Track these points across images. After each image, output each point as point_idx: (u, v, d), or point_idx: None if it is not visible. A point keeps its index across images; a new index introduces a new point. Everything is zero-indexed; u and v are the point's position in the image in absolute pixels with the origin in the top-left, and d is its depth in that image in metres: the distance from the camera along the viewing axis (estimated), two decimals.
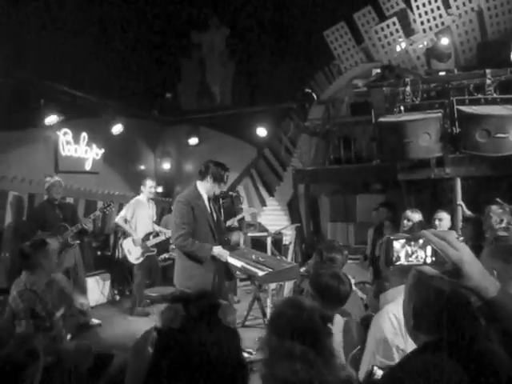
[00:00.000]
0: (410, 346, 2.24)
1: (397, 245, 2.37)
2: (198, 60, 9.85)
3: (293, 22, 8.85)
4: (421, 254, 2.41)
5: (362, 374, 2.30)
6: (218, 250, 4.03)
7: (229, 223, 5.99)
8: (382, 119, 5.41)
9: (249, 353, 3.39)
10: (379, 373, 1.86)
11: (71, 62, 7.02)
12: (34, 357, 2.43)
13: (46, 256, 3.65)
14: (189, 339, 1.20)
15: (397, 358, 2.21)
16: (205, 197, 4.07)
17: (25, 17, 6.29)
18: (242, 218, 6.99)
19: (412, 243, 2.39)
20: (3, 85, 5.70)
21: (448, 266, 1.30)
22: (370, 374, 1.87)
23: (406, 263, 2.36)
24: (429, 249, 1.88)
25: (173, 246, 7.21)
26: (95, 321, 5.86)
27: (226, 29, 9.72)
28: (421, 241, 2.41)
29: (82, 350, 3.68)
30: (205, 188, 4.05)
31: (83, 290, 5.89)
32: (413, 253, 2.39)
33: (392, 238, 2.38)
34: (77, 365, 3.55)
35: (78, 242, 5.89)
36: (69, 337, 3.61)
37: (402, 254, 2.38)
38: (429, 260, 1.88)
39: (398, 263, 2.35)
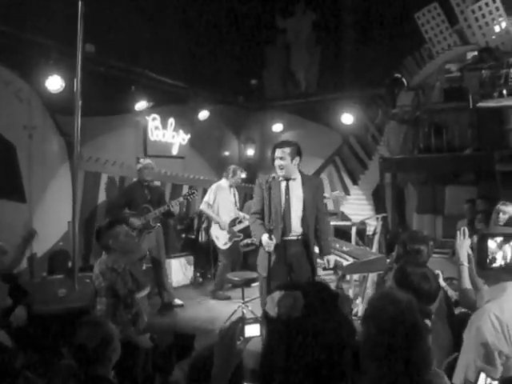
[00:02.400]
0: None
1: (492, 244, 2.15)
2: (283, 46, 9.73)
3: (381, 5, 8.48)
4: None
5: (457, 378, 2.14)
6: (264, 239, 3.81)
7: None
8: (481, 104, 5.05)
9: None
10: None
11: (160, 50, 7.22)
12: (108, 341, 2.49)
13: (115, 237, 3.71)
14: (310, 328, 1.15)
15: (499, 364, 2.03)
16: (281, 179, 3.99)
17: (115, 5, 6.51)
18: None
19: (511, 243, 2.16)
20: (97, 72, 5.96)
21: None
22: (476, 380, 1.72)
23: (503, 266, 2.14)
24: None
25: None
26: (178, 301, 6.03)
27: (312, 13, 9.50)
28: None
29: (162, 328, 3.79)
30: None
31: (162, 272, 6.02)
32: None
33: (486, 233, 2.16)
34: (156, 343, 3.67)
35: (159, 224, 5.99)
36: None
37: (499, 256, 2.16)
38: None
39: (493, 266, 2.13)
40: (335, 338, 1.14)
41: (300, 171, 4.11)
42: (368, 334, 1.62)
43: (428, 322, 2.08)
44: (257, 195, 4.08)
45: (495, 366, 2.02)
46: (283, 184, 4.00)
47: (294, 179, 4.03)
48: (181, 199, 6.20)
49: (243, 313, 5.23)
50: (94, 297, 3.48)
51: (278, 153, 3.95)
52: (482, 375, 1.77)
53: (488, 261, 2.16)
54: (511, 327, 2.06)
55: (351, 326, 1.22)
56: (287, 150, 3.95)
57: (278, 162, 3.94)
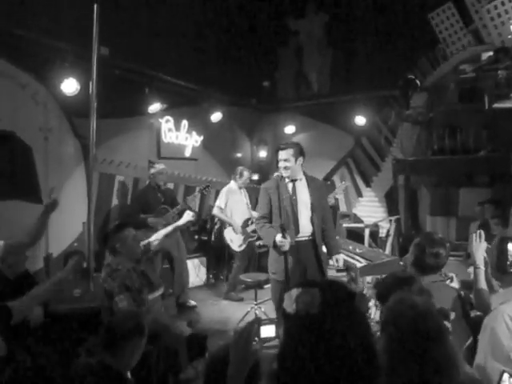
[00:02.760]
0: None
1: None
2: (295, 48, 9.73)
3: (394, 5, 8.44)
4: None
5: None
6: (278, 239, 3.79)
7: None
8: (497, 105, 5.00)
9: None
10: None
11: (173, 53, 7.26)
12: (140, 331, 2.53)
13: (123, 241, 3.74)
14: (327, 325, 1.16)
15: None
16: (287, 180, 4.03)
17: (128, 8, 6.55)
18: (337, 207, 6.85)
19: None
20: (112, 75, 6.01)
21: None
22: (500, 380, 1.71)
23: None
24: None
25: None
26: (192, 302, 6.07)
27: (325, 15, 9.48)
28: None
29: (176, 330, 3.82)
30: None
31: (183, 272, 6.07)
32: None
33: (506, 237, 2.14)
34: (169, 344, 3.69)
35: None
36: None
37: None
38: None
39: None
40: (352, 336, 1.15)
41: (304, 172, 4.14)
42: (390, 339, 1.63)
43: (447, 323, 2.08)
44: (263, 199, 4.07)
45: (510, 365, 2.02)
46: (290, 185, 4.04)
47: (300, 180, 4.08)
48: (196, 193, 6.25)
49: (256, 314, 5.25)
50: (109, 299, 3.50)
51: (282, 155, 3.98)
52: (506, 375, 1.77)
53: (509, 263, 2.15)
54: None
55: (368, 324, 1.23)
56: (291, 151, 3.98)
57: (282, 164, 3.99)
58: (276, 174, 4.04)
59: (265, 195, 4.06)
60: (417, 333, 1.59)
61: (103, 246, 3.79)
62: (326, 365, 1.13)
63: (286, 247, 3.76)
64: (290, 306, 1.20)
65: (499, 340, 2.06)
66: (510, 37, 6.77)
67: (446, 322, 2.02)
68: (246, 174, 6.55)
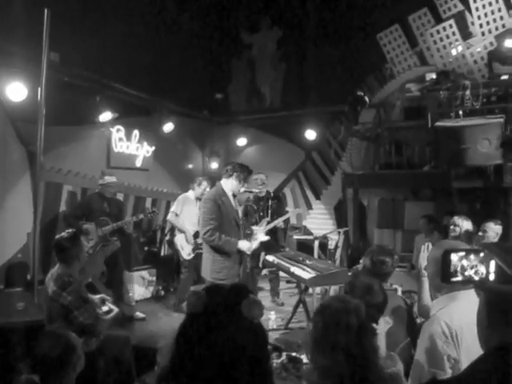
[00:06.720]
0: (463, 355, 2.16)
1: (454, 257, 2.22)
2: (248, 61, 9.86)
3: (345, 25, 8.74)
4: (481, 268, 2.26)
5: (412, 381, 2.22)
6: (242, 244, 4.38)
7: (275, 223, 5.98)
8: (439, 123, 5.27)
9: (278, 350, 3.44)
10: None
11: (125, 61, 7.17)
12: (70, 350, 2.47)
13: (81, 248, 3.73)
14: (206, 326, 1.22)
15: (448, 368, 2.12)
16: (229, 194, 4.46)
17: (80, 14, 6.45)
18: (288, 219, 6.89)
19: (472, 257, 2.25)
20: (61, 82, 5.86)
21: None
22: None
23: (463, 279, 2.23)
24: (492, 264, 1.74)
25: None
26: (140, 314, 5.94)
27: (278, 30, 9.69)
28: (482, 254, 2.26)
29: (121, 339, 3.76)
30: (230, 186, 4.47)
31: (120, 287, 5.92)
32: (472, 267, 2.25)
33: (450, 249, 2.24)
34: (117, 353, 3.61)
35: (115, 239, 5.89)
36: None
37: (459, 269, 2.24)
38: (492, 277, 1.73)
39: (454, 279, 2.21)
40: (228, 340, 1.19)
41: None
42: (315, 328, 1.77)
43: (375, 325, 2.22)
44: (215, 210, 4.32)
45: (444, 370, 2.12)
46: (231, 198, 4.50)
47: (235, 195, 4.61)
48: (140, 216, 6.11)
49: None
50: (68, 314, 3.39)
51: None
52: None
53: (451, 273, 2.25)
54: (459, 333, 2.16)
55: (257, 332, 1.26)
56: None
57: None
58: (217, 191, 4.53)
59: (216, 206, 4.31)
60: (339, 323, 1.73)
61: (57, 255, 3.65)
62: (203, 364, 1.18)
63: (250, 251, 4.48)
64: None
65: (435, 344, 2.16)
66: (450, 60, 7.14)
67: (373, 324, 2.20)
68: (204, 183, 6.47)
